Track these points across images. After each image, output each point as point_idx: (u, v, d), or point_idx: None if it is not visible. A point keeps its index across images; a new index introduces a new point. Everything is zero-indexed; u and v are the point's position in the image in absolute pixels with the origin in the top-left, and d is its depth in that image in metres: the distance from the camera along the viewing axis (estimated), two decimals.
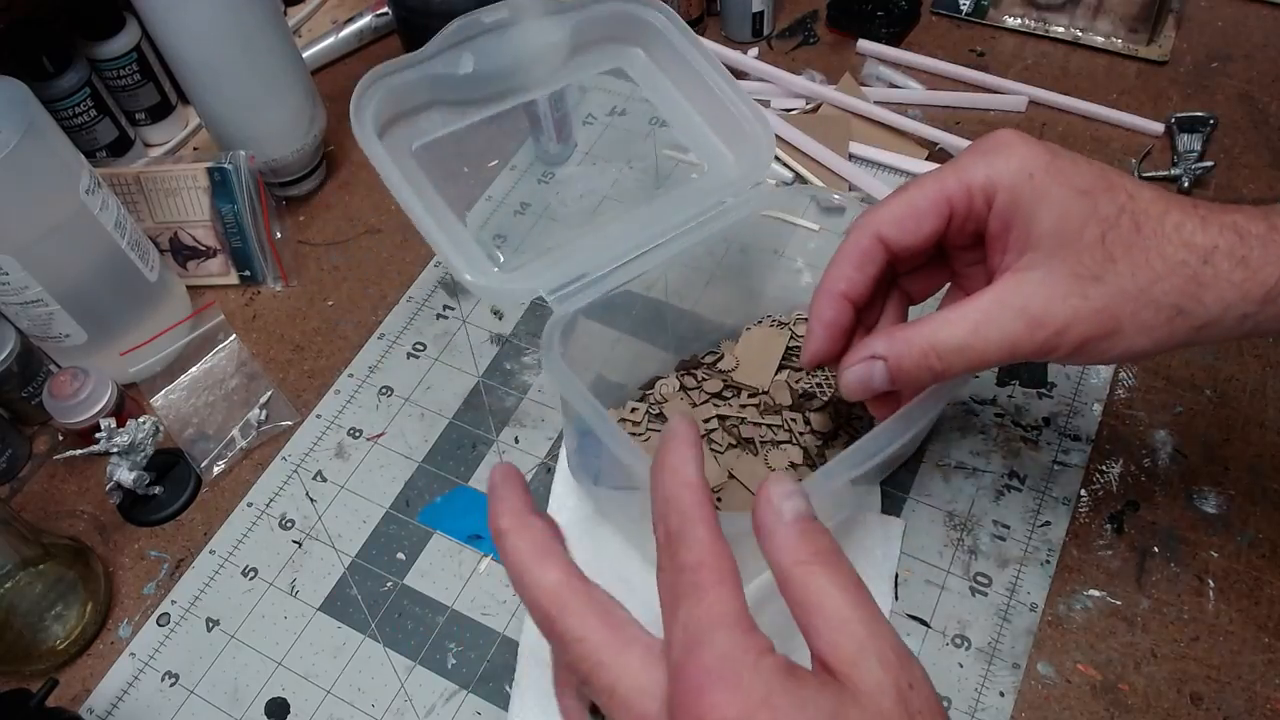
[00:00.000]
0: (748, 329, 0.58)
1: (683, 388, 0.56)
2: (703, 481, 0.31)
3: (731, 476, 0.52)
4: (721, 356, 0.57)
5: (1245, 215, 0.37)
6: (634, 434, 0.55)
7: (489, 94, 0.52)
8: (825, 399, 0.54)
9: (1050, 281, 0.37)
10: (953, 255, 0.44)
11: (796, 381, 0.55)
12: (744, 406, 0.55)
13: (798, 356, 0.56)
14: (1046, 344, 0.37)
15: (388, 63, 0.48)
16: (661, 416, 0.55)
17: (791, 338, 0.57)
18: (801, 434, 0.53)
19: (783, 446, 0.53)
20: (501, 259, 0.50)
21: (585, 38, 0.54)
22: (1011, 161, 0.38)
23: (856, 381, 0.41)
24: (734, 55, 0.76)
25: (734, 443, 0.53)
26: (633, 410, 0.55)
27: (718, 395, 0.55)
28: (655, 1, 0.53)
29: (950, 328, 0.38)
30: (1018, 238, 0.38)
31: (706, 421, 0.54)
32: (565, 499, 0.55)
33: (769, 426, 0.53)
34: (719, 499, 0.51)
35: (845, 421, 0.54)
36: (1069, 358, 0.38)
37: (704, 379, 0.56)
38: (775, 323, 0.58)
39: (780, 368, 0.56)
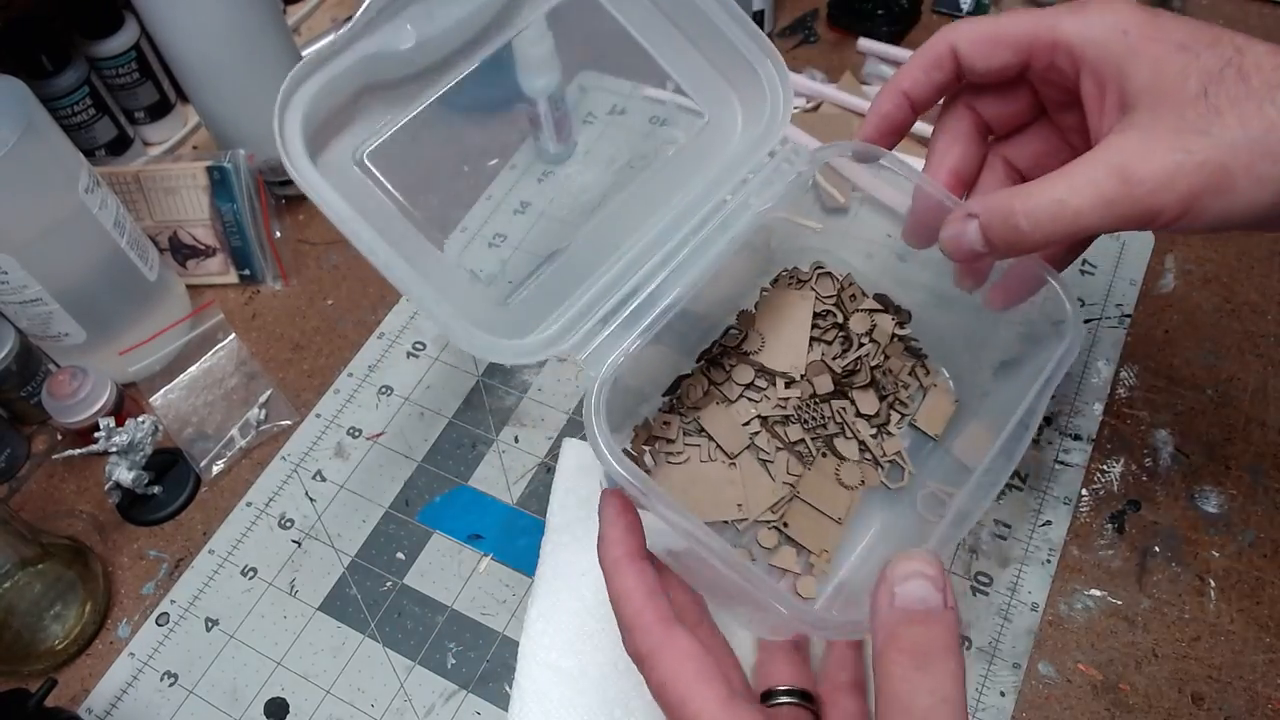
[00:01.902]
0: (764, 291, 0.53)
1: (711, 383, 0.51)
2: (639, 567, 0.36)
3: (796, 496, 0.47)
4: (745, 336, 0.51)
5: None
6: (670, 454, 0.50)
7: (432, 65, 0.41)
8: (869, 378, 0.51)
9: (1150, 138, 0.34)
10: (1056, 119, 0.42)
11: (834, 359, 0.51)
12: (783, 399, 0.50)
13: (822, 323, 0.52)
14: (1148, 203, 0.34)
15: (313, 52, 0.37)
16: (701, 430, 0.50)
17: (816, 298, 0.53)
18: (854, 423, 0.49)
19: (837, 442, 0.49)
20: (504, 296, 0.43)
21: None
22: (1106, 17, 0.37)
23: (950, 239, 0.39)
24: None
25: (781, 445, 0.49)
26: (665, 424, 0.50)
27: (750, 385, 0.51)
28: None
29: (1043, 187, 0.36)
30: (1113, 99, 0.36)
31: (747, 425, 0.49)
32: (565, 498, 0.54)
33: (816, 424, 0.49)
34: (784, 524, 0.47)
35: (893, 398, 0.51)
36: (1177, 220, 0.35)
37: (732, 367, 0.51)
38: (794, 280, 0.53)
39: (810, 342, 0.51)
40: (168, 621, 0.54)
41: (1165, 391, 0.57)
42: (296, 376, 0.64)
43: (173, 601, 0.55)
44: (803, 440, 0.49)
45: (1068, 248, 0.44)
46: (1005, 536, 0.52)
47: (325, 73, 0.37)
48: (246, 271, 0.69)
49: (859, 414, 0.50)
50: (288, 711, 0.51)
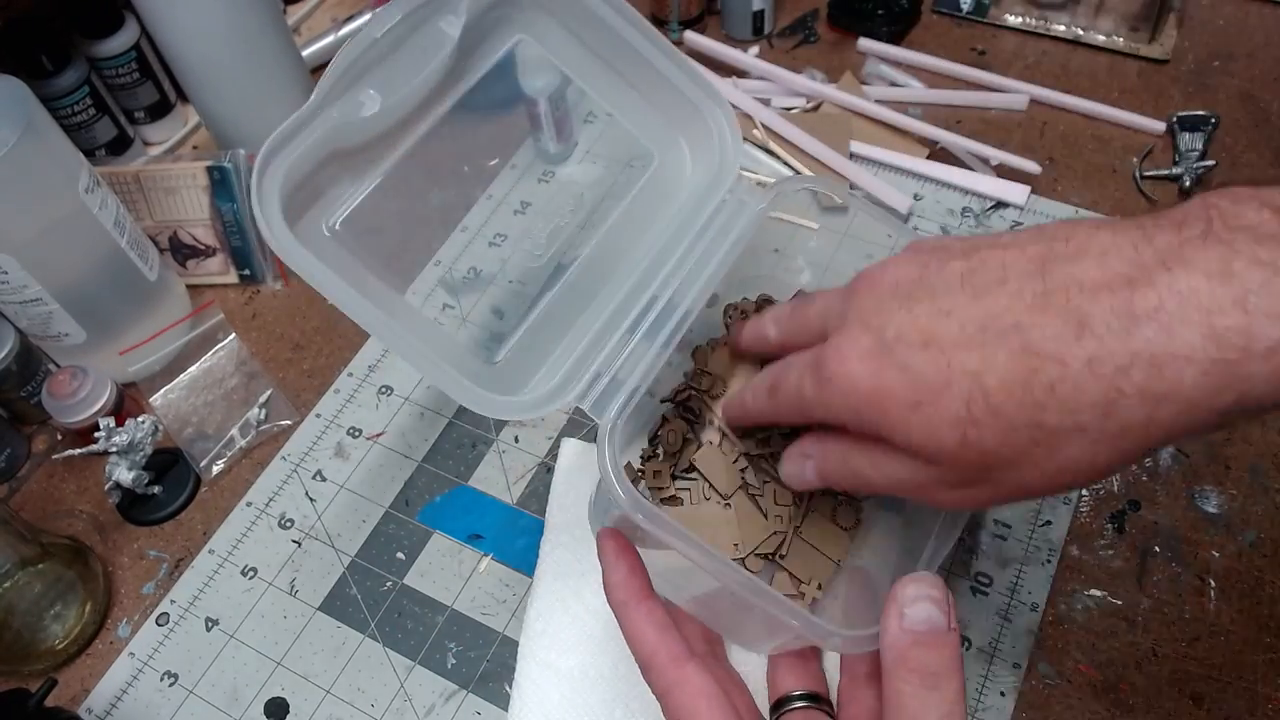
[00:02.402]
0: (711, 348, 0.50)
1: (690, 425, 0.49)
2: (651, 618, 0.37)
3: (800, 537, 0.46)
4: (703, 375, 0.49)
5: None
6: (661, 495, 0.48)
7: (395, 126, 0.41)
8: None
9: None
10: None
11: None
12: (763, 437, 0.47)
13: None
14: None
15: (285, 126, 0.37)
16: (690, 471, 0.48)
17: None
18: None
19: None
20: (491, 355, 0.43)
21: (481, 23, 0.43)
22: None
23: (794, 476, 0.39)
24: (734, 54, 0.76)
25: (769, 479, 0.46)
26: (656, 472, 0.48)
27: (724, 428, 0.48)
28: None
29: None
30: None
31: (735, 462, 0.47)
32: (565, 498, 0.54)
33: None
34: (781, 556, 0.46)
35: None
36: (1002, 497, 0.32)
37: (702, 409, 0.49)
38: (742, 314, 0.50)
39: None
40: (168, 621, 0.54)
41: None
42: (296, 376, 0.64)
43: (173, 601, 0.55)
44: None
45: None
46: (1005, 536, 0.52)
47: (295, 145, 0.37)
48: (246, 271, 0.69)
49: None
50: (288, 711, 0.51)
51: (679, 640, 0.37)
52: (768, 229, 0.51)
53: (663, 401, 0.50)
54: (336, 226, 0.40)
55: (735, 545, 0.45)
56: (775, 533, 0.45)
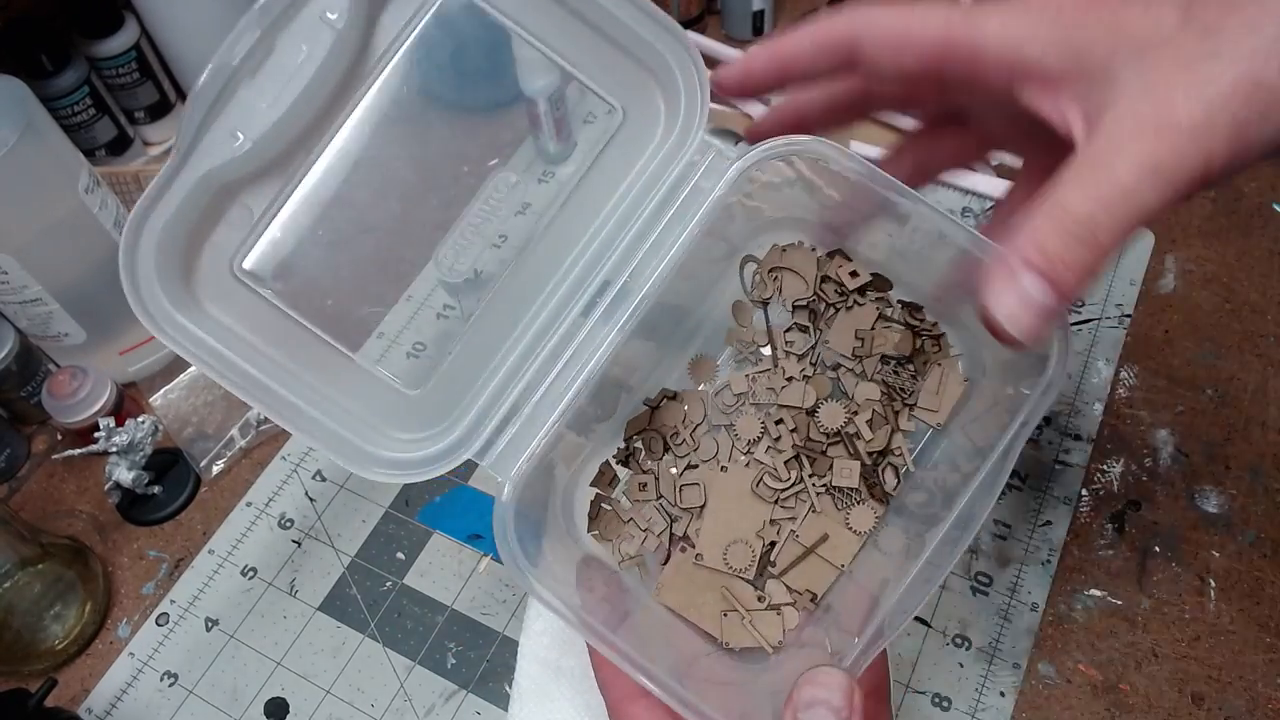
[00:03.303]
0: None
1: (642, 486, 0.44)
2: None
3: (795, 539, 0.43)
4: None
5: None
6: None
7: (285, 149, 0.36)
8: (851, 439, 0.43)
9: (1165, 84, 0.28)
10: (988, 124, 0.37)
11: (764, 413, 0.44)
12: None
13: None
14: (1198, 157, 0.28)
15: (148, 192, 0.33)
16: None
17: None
18: (818, 487, 0.43)
19: (835, 467, 0.43)
20: (415, 385, 0.38)
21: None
22: (1031, 6, 0.31)
23: (1018, 310, 0.29)
24: (734, 54, 0.76)
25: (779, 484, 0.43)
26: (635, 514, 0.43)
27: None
28: None
29: (1086, 184, 0.29)
30: (1084, 72, 0.30)
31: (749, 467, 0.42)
32: None
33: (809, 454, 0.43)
34: (773, 563, 0.43)
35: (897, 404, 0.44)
36: (1229, 162, 0.29)
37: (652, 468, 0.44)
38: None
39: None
40: (168, 621, 0.54)
41: (1165, 391, 0.57)
42: None
43: (173, 601, 0.55)
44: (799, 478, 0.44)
45: None
46: (1005, 536, 0.52)
47: (167, 204, 0.34)
48: None
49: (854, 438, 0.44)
50: (288, 711, 0.51)
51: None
52: (729, 214, 0.43)
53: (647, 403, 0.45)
54: (246, 268, 0.36)
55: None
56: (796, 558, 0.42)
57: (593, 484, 0.44)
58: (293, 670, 0.52)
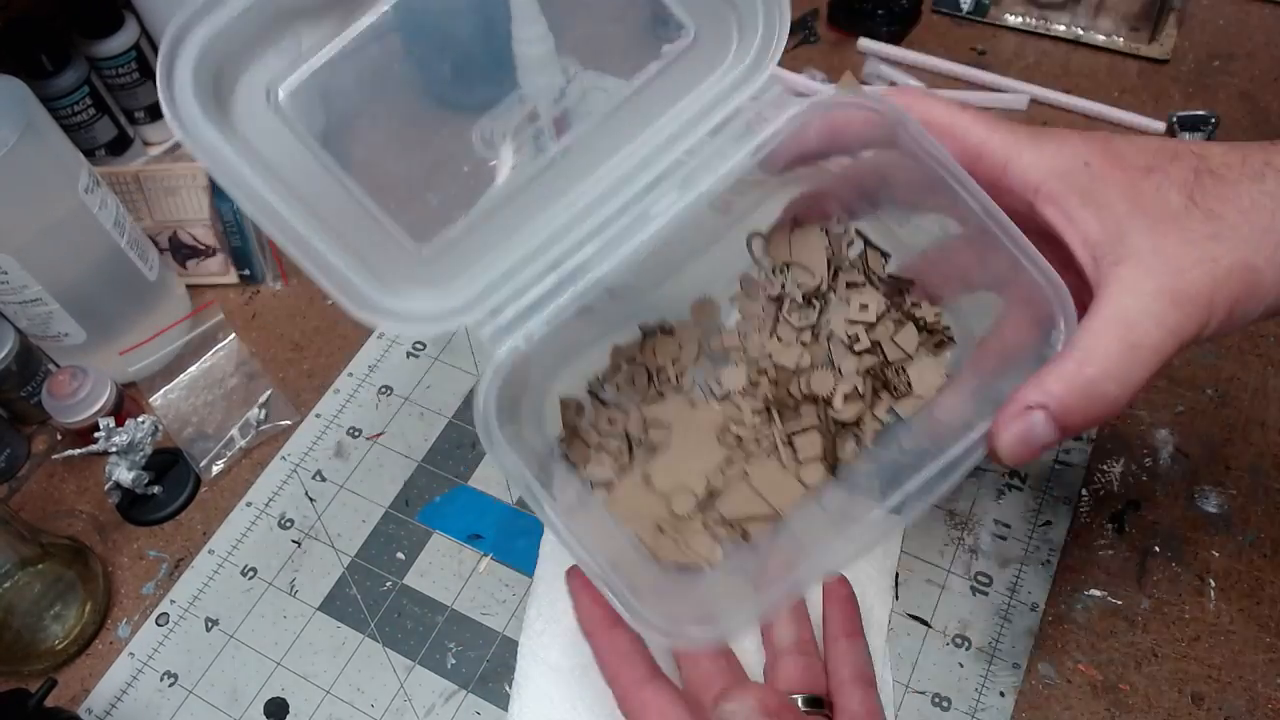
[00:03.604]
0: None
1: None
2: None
3: (745, 478, 0.44)
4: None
5: None
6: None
7: None
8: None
9: (1168, 257, 0.33)
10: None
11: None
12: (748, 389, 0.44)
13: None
14: (1199, 320, 0.33)
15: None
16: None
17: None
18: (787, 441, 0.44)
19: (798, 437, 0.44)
20: (423, 240, 0.38)
21: None
22: (1064, 149, 0.35)
23: (1018, 443, 0.34)
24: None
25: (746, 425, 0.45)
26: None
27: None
28: None
29: (1101, 341, 0.33)
30: (1095, 229, 0.34)
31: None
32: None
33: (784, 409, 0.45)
34: (713, 494, 0.43)
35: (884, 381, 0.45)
36: (1220, 330, 0.34)
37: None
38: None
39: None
40: (168, 621, 0.54)
41: (1165, 391, 0.57)
42: (296, 376, 0.64)
43: (173, 601, 0.55)
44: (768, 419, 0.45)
45: None
46: (1005, 536, 0.52)
47: (221, 15, 0.33)
48: (246, 271, 0.69)
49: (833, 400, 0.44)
50: (288, 711, 0.51)
51: (640, 664, 0.39)
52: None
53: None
54: (282, 97, 0.35)
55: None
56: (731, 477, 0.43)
57: (565, 407, 0.46)
58: (293, 670, 0.52)
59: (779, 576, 0.35)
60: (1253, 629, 0.48)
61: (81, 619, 0.54)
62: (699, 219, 0.40)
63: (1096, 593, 0.50)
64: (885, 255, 0.46)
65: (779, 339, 0.45)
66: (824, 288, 0.45)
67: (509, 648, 0.51)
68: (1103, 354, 0.33)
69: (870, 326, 0.44)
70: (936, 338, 0.45)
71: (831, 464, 0.43)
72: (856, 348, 0.44)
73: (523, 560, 0.54)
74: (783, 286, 0.45)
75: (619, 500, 0.44)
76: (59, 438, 0.62)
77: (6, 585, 0.52)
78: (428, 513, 0.57)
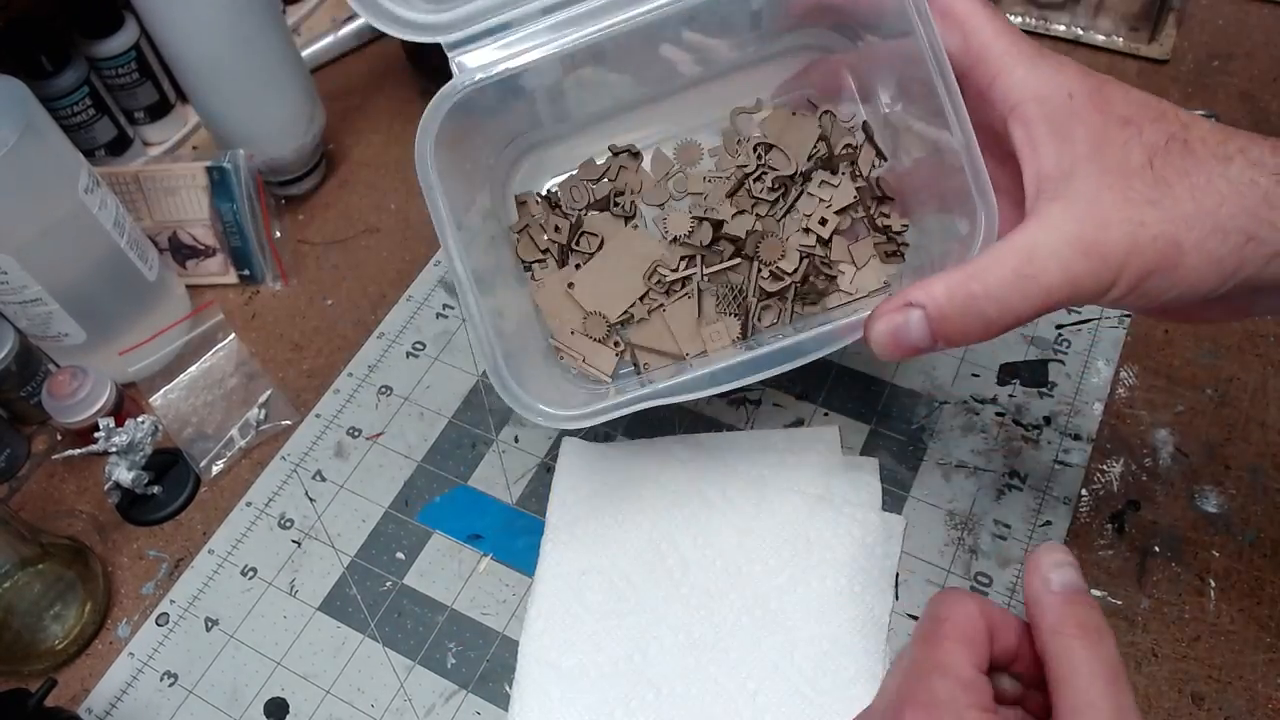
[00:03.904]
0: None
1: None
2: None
3: (660, 312, 0.48)
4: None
5: None
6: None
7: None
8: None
9: (1100, 208, 0.33)
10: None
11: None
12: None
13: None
14: (1103, 278, 0.33)
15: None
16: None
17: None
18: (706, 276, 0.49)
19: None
20: None
21: None
22: (1056, 76, 0.35)
23: (888, 335, 0.35)
24: None
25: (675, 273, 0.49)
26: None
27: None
28: None
29: (999, 263, 0.33)
30: (1051, 161, 0.34)
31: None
32: (565, 498, 0.54)
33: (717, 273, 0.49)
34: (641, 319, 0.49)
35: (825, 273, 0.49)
36: (1126, 297, 0.34)
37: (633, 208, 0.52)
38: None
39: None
40: (167, 621, 0.54)
41: (1165, 391, 0.57)
42: (296, 376, 0.64)
43: (172, 601, 0.55)
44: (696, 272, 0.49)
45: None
46: (1005, 536, 0.52)
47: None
48: (246, 271, 0.69)
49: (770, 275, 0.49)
50: (288, 711, 0.51)
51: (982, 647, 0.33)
52: None
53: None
54: None
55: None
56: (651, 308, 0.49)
57: (520, 201, 0.52)
58: (293, 670, 0.52)
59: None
60: (1253, 629, 0.48)
61: (81, 619, 0.54)
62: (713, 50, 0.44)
63: (1096, 593, 0.50)
64: (882, 158, 0.48)
65: (733, 205, 0.49)
66: (795, 175, 0.49)
67: (509, 648, 0.51)
68: (995, 276, 0.33)
69: (826, 220, 0.48)
70: (891, 246, 0.47)
71: (744, 329, 0.48)
72: (808, 229, 0.48)
73: (523, 560, 0.54)
74: (758, 167, 0.49)
75: (543, 293, 0.50)
76: (59, 438, 0.62)
77: (6, 585, 0.52)
78: (428, 513, 0.57)
